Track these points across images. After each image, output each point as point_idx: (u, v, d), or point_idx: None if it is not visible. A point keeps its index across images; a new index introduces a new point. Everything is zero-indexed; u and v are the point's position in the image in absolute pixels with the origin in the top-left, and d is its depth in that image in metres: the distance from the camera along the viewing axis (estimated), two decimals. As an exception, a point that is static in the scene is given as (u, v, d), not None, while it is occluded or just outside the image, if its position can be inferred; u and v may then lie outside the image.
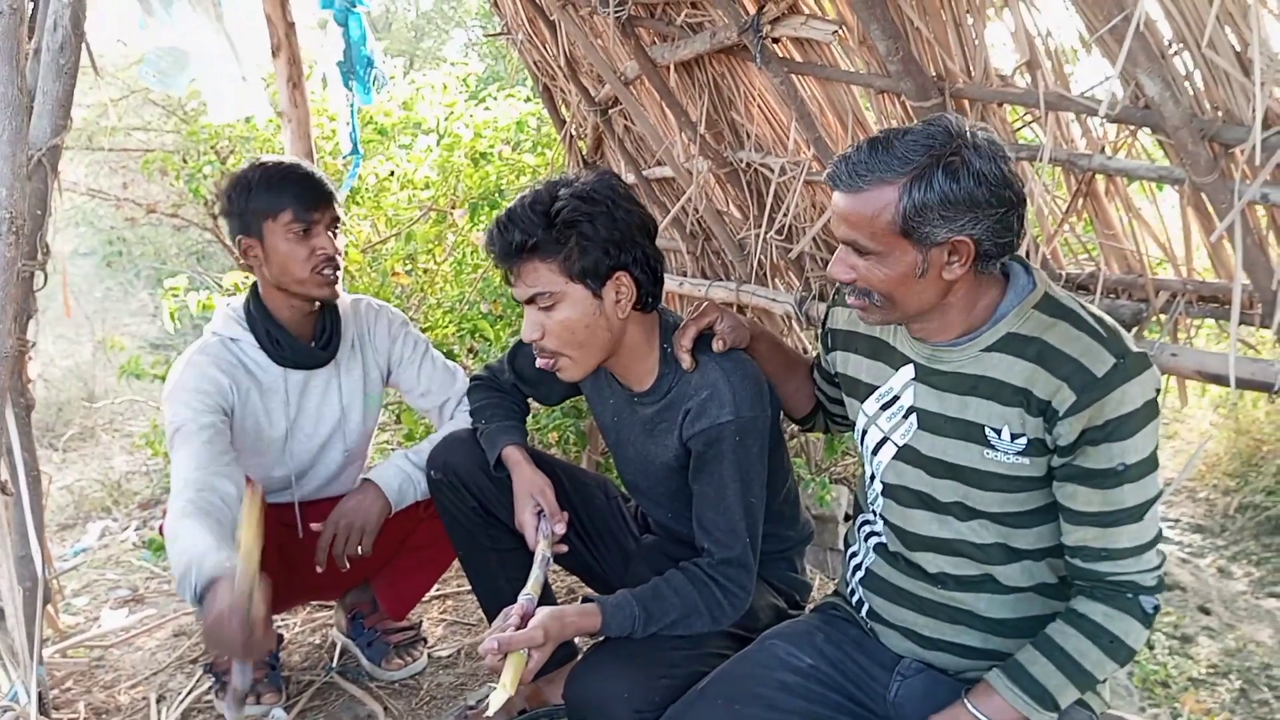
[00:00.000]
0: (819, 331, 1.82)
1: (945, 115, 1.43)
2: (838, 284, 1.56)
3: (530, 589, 1.72)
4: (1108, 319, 1.45)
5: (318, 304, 2.28)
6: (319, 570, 2.20)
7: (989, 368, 1.48)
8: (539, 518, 1.91)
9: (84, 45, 1.82)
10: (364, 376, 2.42)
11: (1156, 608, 1.46)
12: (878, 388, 1.63)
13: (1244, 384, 1.76)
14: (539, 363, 1.81)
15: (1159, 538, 1.46)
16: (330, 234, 2.20)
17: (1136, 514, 1.42)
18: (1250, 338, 2.02)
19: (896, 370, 1.60)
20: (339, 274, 2.24)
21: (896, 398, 1.60)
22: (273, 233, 2.15)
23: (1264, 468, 4.73)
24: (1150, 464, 1.41)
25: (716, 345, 1.78)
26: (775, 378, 1.91)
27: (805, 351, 2.93)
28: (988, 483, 1.50)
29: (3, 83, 1.11)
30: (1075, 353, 1.40)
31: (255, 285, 2.28)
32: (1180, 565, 4.10)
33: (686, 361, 1.79)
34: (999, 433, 1.47)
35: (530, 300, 1.74)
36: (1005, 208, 1.40)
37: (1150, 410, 1.39)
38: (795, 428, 2.15)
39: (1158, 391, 1.41)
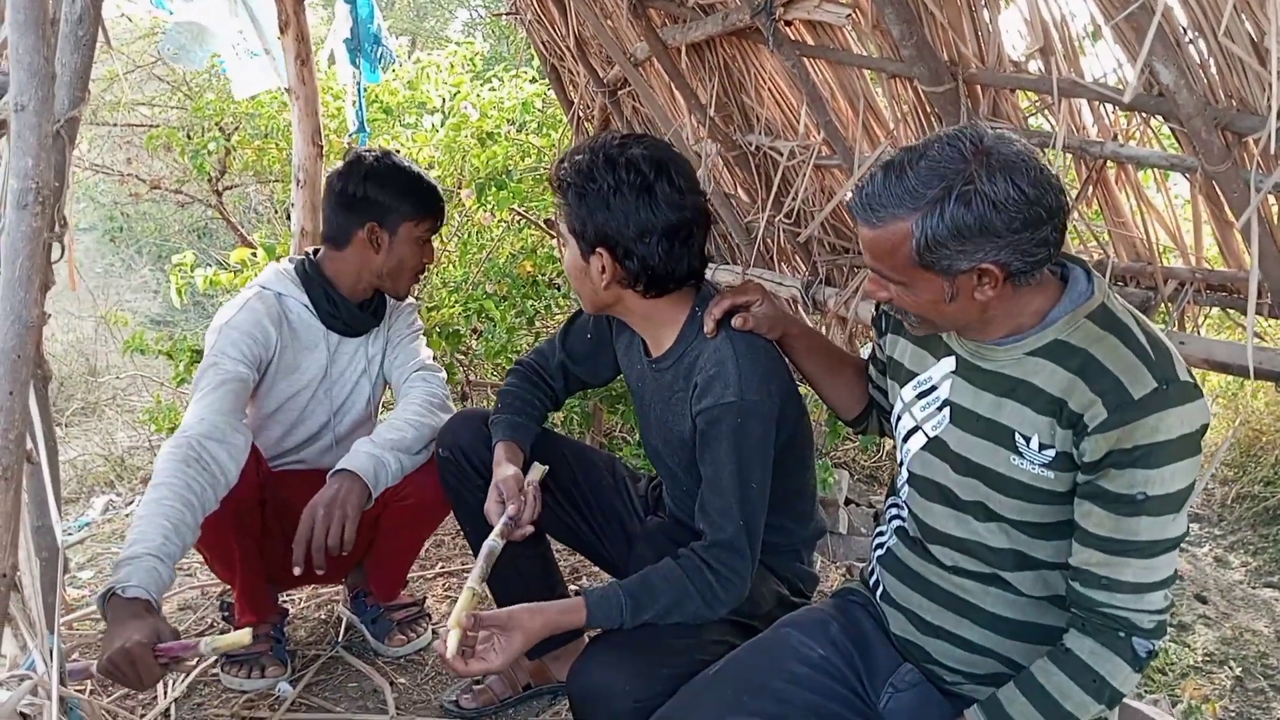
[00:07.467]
0: (874, 316, 1.79)
1: (970, 128, 1.36)
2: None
3: (474, 581, 1.73)
4: (1164, 341, 1.38)
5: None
6: (296, 572, 2.07)
7: (1030, 372, 1.43)
8: (502, 506, 1.89)
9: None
10: (381, 352, 2.55)
11: (1151, 653, 1.40)
12: (917, 374, 1.61)
13: (1255, 373, 1.77)
14: None
15: (1168, 581, 1.40)
16: None
17: (1147, 550, 1.37)
18: (1257, 326, 2.02)
19: (938, 360, 1.57)
20: None
21: (934, 388, 1.57)
22: (407, 233, 2.34)
23: (1262, 458, 4.73)
24: (1174, 502, 1.35)
25: (736, 321, 1.77)
26: (818, 376, 1.90)
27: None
28: (1009, 488, 1.47)
29: (29, 51, 1.10)
30: (1117, 370, 1.34)
31: (314, 252, 2.43)
32: (1178, 553, 4.11)
33: (709, 325, 1.78)
34: (1028, 440, 1.44)
35: None
36: (1031, 229, 1.32)
37: (1186, 445, 1.32)
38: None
39: (1203, 429, 1.34)
